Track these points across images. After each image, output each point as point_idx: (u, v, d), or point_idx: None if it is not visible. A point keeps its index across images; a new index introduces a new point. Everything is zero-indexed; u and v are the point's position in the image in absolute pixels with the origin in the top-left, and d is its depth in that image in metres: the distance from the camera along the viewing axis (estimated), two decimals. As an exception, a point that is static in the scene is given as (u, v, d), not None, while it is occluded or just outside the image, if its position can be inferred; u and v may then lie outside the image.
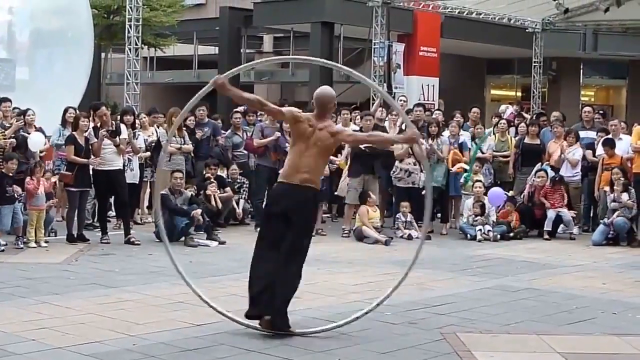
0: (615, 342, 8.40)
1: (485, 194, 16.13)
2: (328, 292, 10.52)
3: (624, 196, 15.48)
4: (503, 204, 16.29)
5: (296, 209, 8.41)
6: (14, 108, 15.98)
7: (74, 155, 14.20)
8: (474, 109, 18.65)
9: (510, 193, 16.79)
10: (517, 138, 17.95)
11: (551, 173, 16.57)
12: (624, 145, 16.50)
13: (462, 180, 16.64)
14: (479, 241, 15.50)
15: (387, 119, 17.65)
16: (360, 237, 15.22)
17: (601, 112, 19.31)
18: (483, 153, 17.15)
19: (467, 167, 16.60)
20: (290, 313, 9.13)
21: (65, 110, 16.49)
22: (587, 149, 16.96)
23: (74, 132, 14.59)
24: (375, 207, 15.69)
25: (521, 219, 16.22)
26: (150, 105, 19.99)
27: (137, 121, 16.49)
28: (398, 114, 17.76)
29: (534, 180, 16.49)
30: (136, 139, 15.89)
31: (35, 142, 14.95)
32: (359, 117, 17.06)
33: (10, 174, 13.57)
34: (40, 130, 15.85)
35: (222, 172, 16.84)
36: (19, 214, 13.61)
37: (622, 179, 15.60)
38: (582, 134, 17.42)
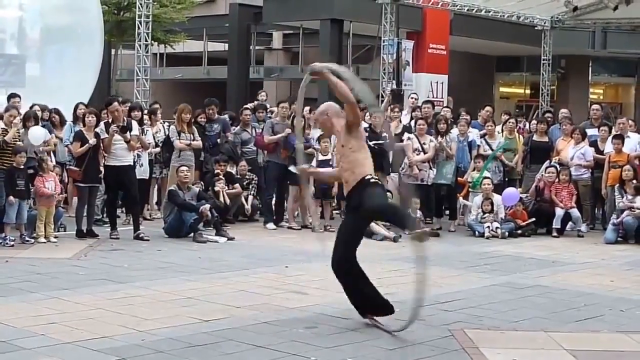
0: (623, 340, 8.41)
1: (494, 190, 16.13)
2: (337, 288, 10.46)
3: (638, 200, 15.43)
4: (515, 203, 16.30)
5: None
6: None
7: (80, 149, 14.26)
8: (487, 107, 18.60)
9: (519, 190, 16.80)
10: (525, 136, 17.99)
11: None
12: (631, 144, 16.49)
13: (469, 186, 16.66)
14: (487, 238, 15.51)
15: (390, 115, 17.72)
16: (369, 233, 15.23)
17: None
18: (492, 150, 17.13)
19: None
20: (298, 309, 9.21)
21: (76, 107, 16.57)
22: (590, 146, 16.94)
23: (81, 129, 14.67)
24: None
25: (535, 217, 16.22)
26: (159, 101, 19.93)
27: (144, 117, 16.56)
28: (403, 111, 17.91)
29: (542, 175, 16.51)
30: (145, 134, 15.94)
31: (35, 136, 14.92)
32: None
33: (21, 167, 13.63)
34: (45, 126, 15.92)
35: (232, 169, 16.87)
36: (23, 211, 13.65)
37: (634, 181, 15.56)
38: (590, 131, 17.40)
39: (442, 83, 29.00)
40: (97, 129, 14.39)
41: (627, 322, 9.14)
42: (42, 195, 13.80)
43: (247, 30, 35.78)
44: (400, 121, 17.69)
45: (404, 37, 27.72)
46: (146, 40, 23.31)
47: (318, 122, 8.95)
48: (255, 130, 17.26)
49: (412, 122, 17.35)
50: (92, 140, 14.18)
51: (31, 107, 16.07)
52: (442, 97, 27.69)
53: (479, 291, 10.70)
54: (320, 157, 15.93)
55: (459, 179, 16.68)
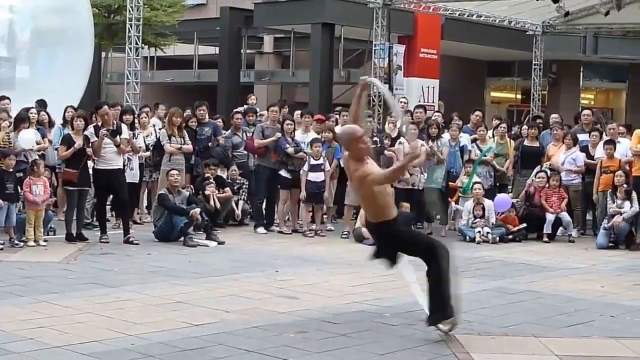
0: (613, 345, 8.40)
1: (485, 195, 16.14)
2: (327, 292, 10.53)
3: (626, 204, 15.47)
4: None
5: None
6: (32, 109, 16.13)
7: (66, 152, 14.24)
8: (477, 112, 18.64)
9: (510, 195, 16.81)
10: (517, 141, 17.99)
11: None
12: (622, 149, 16.52)
13: (459, 191, 16.66)
14: (478, 243, 15.51)
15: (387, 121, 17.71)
16: (360, 238, 15.21)
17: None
18: (485, 156, 17.13)
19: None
20: (289, 314, 9.18)
21: (65, 110, 16.54)
22: (581, 152, 16.97)
23: (69, 133, 14.63)
24: None
25: (526, 222, 16.23)
26: (149, 105, 19.88)
27: (136, 120, 16.55)
28: (397, 116, 17.83)
29: (533, 180, 16.52)
30: (136, 138, 15.91)
31: (26, 140, 14.87)
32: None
33: (10, 170, 13.58)
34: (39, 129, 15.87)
35: (223, 173, 16.83)
36: (12, 215, 13.59)
37: (625, 185, 15.58)
38: (581, 136, 17.42)
39: (434, 88, 29.02)
40: (86, 133, 14.35)
41: (617, 328, 9.14)
42: (27, 200, 13.76)
43: (238, 33, 35.72)
44: (395, 125, 17.67)
45: (395, 42, 27.71)
46: (137, 44, 23.26)
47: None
48: (246, 134, 17.25)
49: (403, 127, 17.33)
50: (78, 143, 14.14)
51: (28, 110, 16.03)
52: (433, 102, 27.70)
53: (469, 296, 10.66)
54: (312, 162, 15.92)
55: (450, 183, 16.68)
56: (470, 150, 17.19)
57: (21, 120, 14.94)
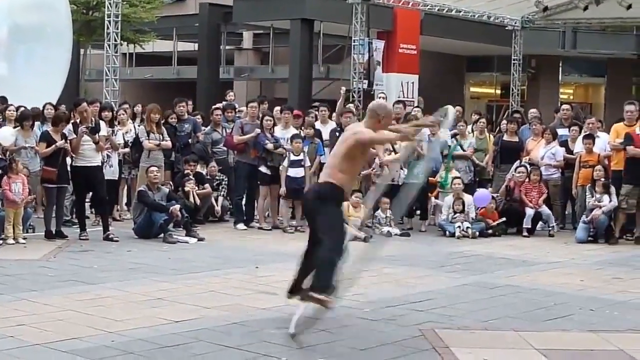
0: (593, 339, 8.43)
1: (465, 190, 16.17)
2: (307, 288, 10.52)
3: (605, 198, 15.53)
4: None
5: (313, 203, 8.62)
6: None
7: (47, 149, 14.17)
8: (457, 107, 18.67)
9: (489, 190, 16.84)
10: (496, 136, 18.03)
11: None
12: (601, 143, 16.57)
13: (438, 186, 16.70)
14: (458, 238, 15.53)
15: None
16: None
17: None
18: (464, 150, 17.17)
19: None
20: (269, 310, 9.18)
21: (44, 107, 16.46)
22: (561, 146, 17.03)
23: (47, 130, 14.56)
24: (360, 206, 15.51)
25: (506, 217, 16.27)
26: (129, 102, 19.81)
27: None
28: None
29: (513, 174, 16.56)
30: (115, 135, 15.86)
31: (4, 137, 14.79)
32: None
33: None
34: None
35: (202, 169, 16.81)
36: None
37: (603, 179, 15.62)
38: (560, 131, 17.48)
39: (413, 83, 28.98)
40: (64, 130, 14.28)
41: (596, 321, 9.18)
42: (7, 199, 13.71)
43: (217, 30, 35.70)
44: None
45: (374, 37, 27.72)
46: (115, 40, 23.16)
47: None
48: (226, 131, 17.22)
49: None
50: (60, 143, 14.08)
51: (6, 108, 15.95)
52: (412, 97, 27.69)
53: (449, 291, 10.72)
54: (292, 157, 15.90)
55: (429, 179, 16.70)
56: (449, 146, 17.21)
57: (25, 119, 14.90)
